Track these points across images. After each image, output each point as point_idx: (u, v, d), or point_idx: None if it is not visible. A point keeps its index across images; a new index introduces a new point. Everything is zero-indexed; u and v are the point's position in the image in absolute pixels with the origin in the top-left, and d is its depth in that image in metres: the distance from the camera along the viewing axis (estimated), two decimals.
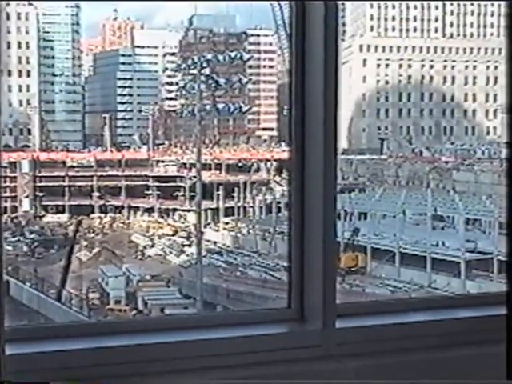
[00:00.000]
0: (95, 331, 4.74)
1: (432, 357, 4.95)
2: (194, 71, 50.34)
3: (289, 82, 5.03)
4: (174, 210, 52.41)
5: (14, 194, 51.34)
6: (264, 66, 61.59)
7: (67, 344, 4.54)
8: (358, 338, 4.89)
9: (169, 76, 59.71)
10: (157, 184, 53.10)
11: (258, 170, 54.44)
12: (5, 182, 50.68)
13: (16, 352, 4.33)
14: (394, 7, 70.29)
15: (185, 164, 52.89)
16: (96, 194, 52.30)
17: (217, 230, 49.03)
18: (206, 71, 50.75)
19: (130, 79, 62.38)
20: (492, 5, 70.08)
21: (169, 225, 51.39)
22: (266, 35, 61.39)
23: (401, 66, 65.21)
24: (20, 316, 30.92)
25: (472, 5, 70.63)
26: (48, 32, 61.15)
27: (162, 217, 52.44)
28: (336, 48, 4.78)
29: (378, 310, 5.18)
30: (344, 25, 67.89)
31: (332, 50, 4.76)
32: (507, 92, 4.49)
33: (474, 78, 65.51)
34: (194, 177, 48.31)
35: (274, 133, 61.78)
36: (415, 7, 70.63)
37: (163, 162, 54.68)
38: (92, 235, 48.94)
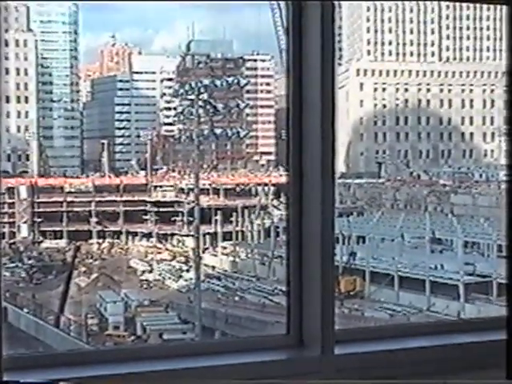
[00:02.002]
0: (94, 359, 4.71)
1: (432, 383, 4.92)
2: (192, 96, 50.51)
3: (286, 107, 5.04)
4: (173, 234, 52.35)
5: (12, 220, 51.29)
6: (261, 91, 61.80)
7: (65, 372, 4.51)
8: (357, 365, 4.86)
9: (167, 101, 59.90)
10: (155, 209, 53.09)
11: (256, 194, 54.45)
12: (3, 207, 50.67)
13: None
14: (390, 31, 70.67)
15: (183, 189, 52.90)
16: (94, 219, 52.26)
17: (215, 255, 48.96)
18: (204, 96, 50.90)
19: (128, 105, 62.55)
20: (487, 29, 70.48)
21: (167, 250, 51.31)
22: (263, 60, 61.68)
23: (398, 89, 65.45)
24: (18, 343, 30.75)
25: (468, 29, 71.03)
26: (46, 58, 61.40)
27: (161, 242, 52.37)
28: (333, 72, 4.81)
29: (377, 336, 5.15)
30: (341, 49, 68.24)
31: (329, 74, 4.78)
32: (507, 114, 4.50)
33: (471, 101, 65.74)
34: (192, 201, 48.30)
35: (272, 157, 61.88)
36: (411, 32, 71.03)
37: (161, 187, 54.70)
38: (90, 261, 48.84)
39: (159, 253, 50.70)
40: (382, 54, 70.30)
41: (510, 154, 4.53)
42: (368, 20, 70.48)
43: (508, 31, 4.56)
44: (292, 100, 4.97)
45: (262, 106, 61.69)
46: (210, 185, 53.08)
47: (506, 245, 4.71)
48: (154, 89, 62.43)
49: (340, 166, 58.69)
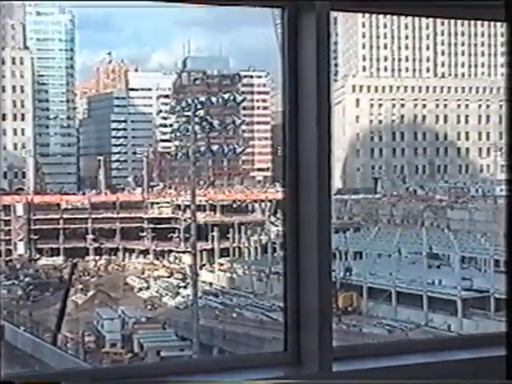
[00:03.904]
0: (92, 377, 4.69)
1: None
2: (188, 113, 50.58)
3: (282, 123, 5.04)
4: (169, 251, 52.29)
5: (8, 238, 51.20)
6: (258, 107, 61.94)
7: None
8: (356, 382, 4.83)
9: (163, 118, 60.00)
10: (152, 226, 53.05)
11: (252, 210, 54.47)
12: None
13: None
14: (385, 48, 70.95)
15: (179, 205, 52.91)
16: (91, 236, 52.20)
17: (212, 271, 48.88)
18: (200, 113, 50.99)
19: (124, 122, 62.66)
20: (482, 45, 70.79)
21: (164, 266, 51.24)
22: (259, 76, 61.85)
23: (394, 105, 65.65)
24: (14, 361, 30.61)
25: (463, 45, 71.34)
26: (42, 76, 61.54)
27: (158, 258, 52.30)
28: (328, 88, 4.81)
29: (374, 353, 5.12)
30: (337, 65, 68.48)
31: (324, 90, 4.79)
32: (506, 129, 4.50)
33: (467, 116, 65.95)
34: (189, 218, 48.27)
35: (269, 173, 61.95)
36: (407, 47, 71.34)
37: (158, 203, 54.69)
38: (87, 278, 48.73)
39: (156, 269, 50.61)
40: (378, 69, 70.55)
41: (509, 168, 4.51)
42: (364, 36, 70.78)
43: (508, 48, 4.57)
44: (288, 116, 4.97)
45: (258, 123, 61.81)
46: (206, 201, 53.08)
47: (505, 260, 4.69)
48: (150, 106, 62.56)
49: (336, 182, 58.77)
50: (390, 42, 70.81)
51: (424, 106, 65.57)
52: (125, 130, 62.55)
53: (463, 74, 70.62)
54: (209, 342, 37.79)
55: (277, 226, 47.88)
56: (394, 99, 65.41)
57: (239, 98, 56.84)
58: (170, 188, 56.86)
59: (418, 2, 5.18)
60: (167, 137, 57.92)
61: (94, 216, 52.84)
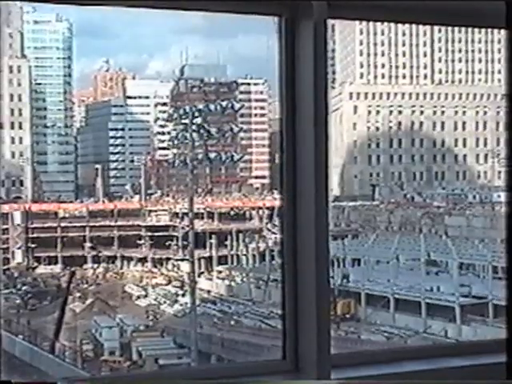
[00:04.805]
0: None
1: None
2: (186, 121, 50.56)
3: (279, 130, 5.05)
4: (167, 259, 52.23)
5: (6, 246, 51.13)
6: (255, 115, 61.95)
7: None
8: None
9: (161, 126, 59.97)
10: (149, 234, 53.00)
11: (250, 218, 54.43)
12: None
13: None
14: (383, 54, 71.05)
15: (177, 213, 52.86)
16: (88, 244, 52.13)
17: (210, 279, 48.83)
18: (198, 121, 50.96)
19: (122, 129, 62.63)
20: (479, 51, 70.92)
21: (162, 274, 51.18)
22: (257, 84, 61.89)
23: (391, 112, 65.70)
24: (12, 370, 30.52)
25: (460, 52, 71.47)
26: (40, 84, 61.52)
27: (156, 266, 52.24)
28: (326, 95, 4.82)
29: (373, 360, 5.12)
30: (334, 72, 68.53)
31: (322, 97, 4.79)
32: (506, 135, 4.51)
33: (464, 123, 66.00)
34: (187, 226, 48.23)
35: (266, 181, 61.92)
36: (404, 54, 71.43)
37: (156, 211, 54.65)
38: (85, 286, 48.67)
39: (154, 277, 50.56)
40: (375, 76, 70.61)
41: (509, 174, 4.51)
42: (361, 43, 70.87)
43: (508, 54, 4.58)
44: (285, 123, 4.98)
45: (255, 130, 61.82)
46: (204, 209, 53.05)
47: (505, 266, 4.69)
48: (147, 113, 62.56)
49: (334, 189, 58.76)
50: (387, 49, 70.91)
51: (421, 112, 65.63)
52: (122, 137, 62.53)
53: (460, 81, 70.71)
54: (207, 349, 37.73)
55: (275, 233, 47.86)
56: (391, 106, 65.48)
57: (237, 106, 56.85)
58: (167, 196, 56.83)
59: (415, 9, 5.19)
60: (165, 144, 57.89)
61: (91, 224, 52.77)
